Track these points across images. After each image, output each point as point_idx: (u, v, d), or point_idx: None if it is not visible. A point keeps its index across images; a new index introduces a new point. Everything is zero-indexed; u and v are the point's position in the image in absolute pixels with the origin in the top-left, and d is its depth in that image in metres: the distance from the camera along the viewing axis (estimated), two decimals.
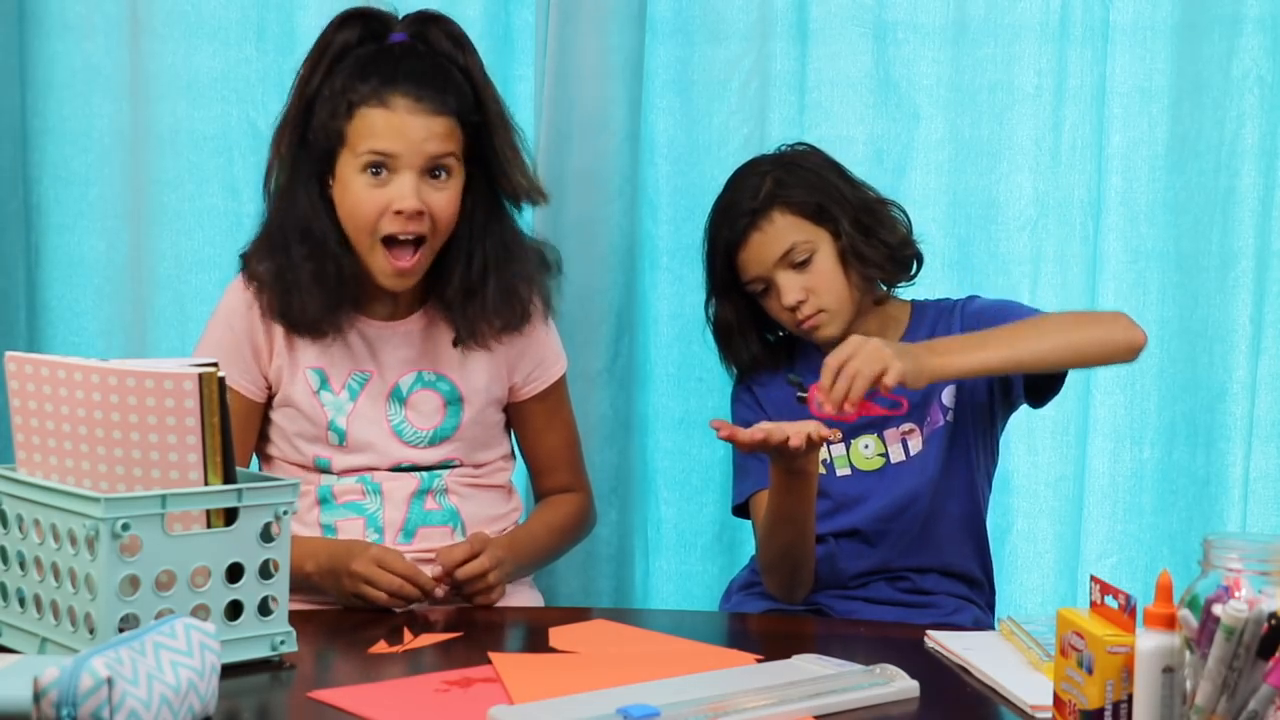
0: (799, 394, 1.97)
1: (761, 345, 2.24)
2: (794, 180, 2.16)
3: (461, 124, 2.03)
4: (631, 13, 2.51)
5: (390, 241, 2.01)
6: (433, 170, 2.01)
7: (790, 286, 2.12)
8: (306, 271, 2.04)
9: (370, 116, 1.99)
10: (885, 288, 2.23)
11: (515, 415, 2.21)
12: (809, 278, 2.12)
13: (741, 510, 2.22)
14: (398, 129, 1.98)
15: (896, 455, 2.16)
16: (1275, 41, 2.50)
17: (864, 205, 2.19)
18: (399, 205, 1.99)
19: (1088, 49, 2.53)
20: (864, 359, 1.89)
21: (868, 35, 2.55)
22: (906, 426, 2.15)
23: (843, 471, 2.17)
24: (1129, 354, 2.03)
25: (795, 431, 1.90)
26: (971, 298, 2.26)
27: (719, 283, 2.21)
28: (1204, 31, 2.50)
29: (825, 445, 2.15)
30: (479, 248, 2.07)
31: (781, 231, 2.13)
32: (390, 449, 2.09)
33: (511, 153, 2.10)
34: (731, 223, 2.15)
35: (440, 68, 2.04)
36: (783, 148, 2.24)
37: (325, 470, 2.09)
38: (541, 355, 2.19)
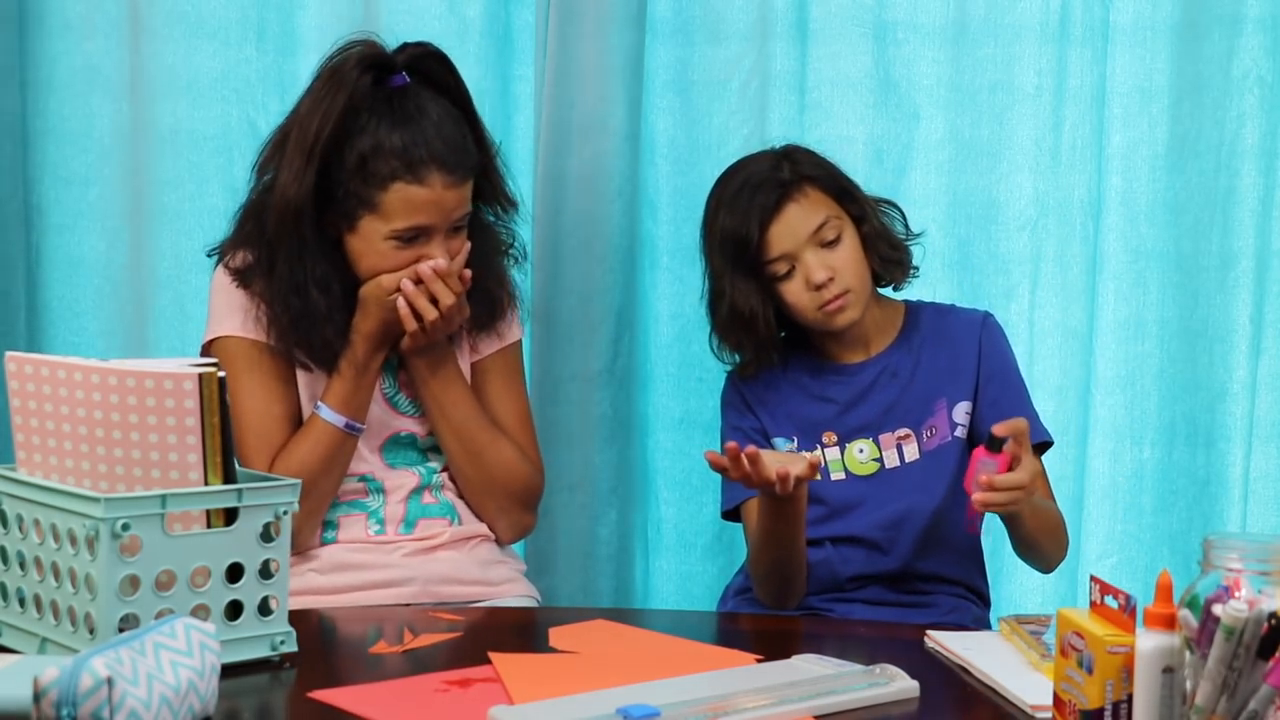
0: (991, 449, 1.86)
1: (780, 331, 2.18)
2: (808, 161, 2.16)
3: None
4: (631, 13, 2.51)
5: None
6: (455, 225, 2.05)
7: (818, 264, 2.09)
8: (321, 314, 2.04)
9: (408, 193, 1.99)
10: (893, 289, 2.22)
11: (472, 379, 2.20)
12: (836, 257, 2.10)
13: (732, 515, 2.20)
14: (435, 204, 2.00)
15: (891, 461, 2.15)
16: (1275, 41, 2.50)
17: (871, 199, 2.19)
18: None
19: (1088, 49, 2.53)
20: (1017, 505, 1.91)
21: (868, 35, 2.55)
22: (902, 431, 2.14)
23: (837, 476, 2.15)
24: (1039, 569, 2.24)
25: (783, 477, 1.88)
26: (988, 318, 2.22)
27: (742, 265, 2.12)
28: (1204, 31, 2.50)
29: (820, 450, 2.16)
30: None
31: (816, 205, 2.11)
32: (386, 418, 2.12)
33: (495, 174, 2.13)
34: (765, 195, 2.10)
35: (454, 121, 2.04)
36: (773, 147, 2.20)
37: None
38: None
